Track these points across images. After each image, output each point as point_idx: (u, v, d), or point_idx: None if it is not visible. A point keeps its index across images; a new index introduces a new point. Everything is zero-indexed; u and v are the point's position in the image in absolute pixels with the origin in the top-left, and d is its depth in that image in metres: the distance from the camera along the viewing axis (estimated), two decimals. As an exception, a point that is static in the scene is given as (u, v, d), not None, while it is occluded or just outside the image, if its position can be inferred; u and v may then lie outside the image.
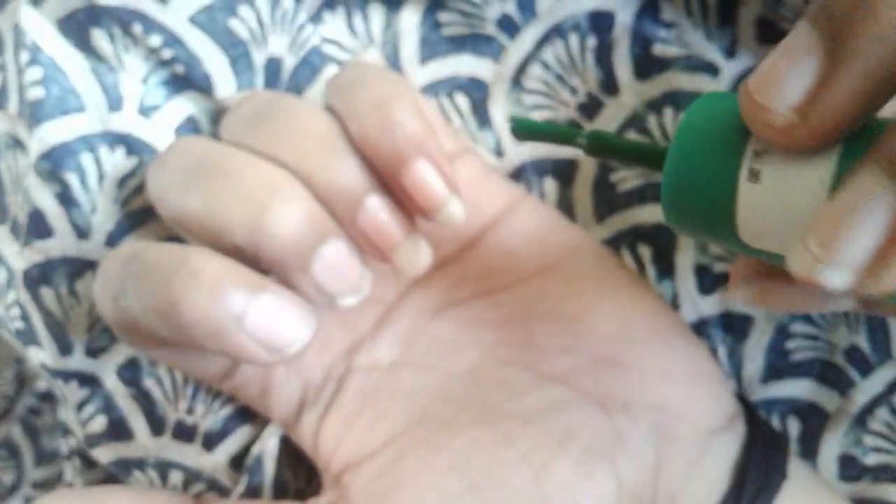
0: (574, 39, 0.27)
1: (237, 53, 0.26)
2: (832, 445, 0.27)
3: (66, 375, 0.28)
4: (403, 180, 0.21)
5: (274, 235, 0.20)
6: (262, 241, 0.20)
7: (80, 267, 0.27)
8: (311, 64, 0.27)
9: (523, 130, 0.20)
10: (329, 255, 0.21)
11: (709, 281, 0.27)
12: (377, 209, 0.21)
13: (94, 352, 0.28)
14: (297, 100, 0.23)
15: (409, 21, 0.27)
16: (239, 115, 0.23)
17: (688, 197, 0.15)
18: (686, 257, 0.27)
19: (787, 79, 0.12)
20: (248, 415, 0.28)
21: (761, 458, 0.23)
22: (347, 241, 0.21)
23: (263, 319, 0.19)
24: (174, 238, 0.26)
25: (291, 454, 0.28)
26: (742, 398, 0.25)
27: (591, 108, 0.28)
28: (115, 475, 0.29)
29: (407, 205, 0.22)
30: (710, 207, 0.14)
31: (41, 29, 0.26)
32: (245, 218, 0.20)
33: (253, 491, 0.27)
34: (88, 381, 0.28)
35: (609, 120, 0.27)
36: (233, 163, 0.21)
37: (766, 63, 0.13)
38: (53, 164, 0.26)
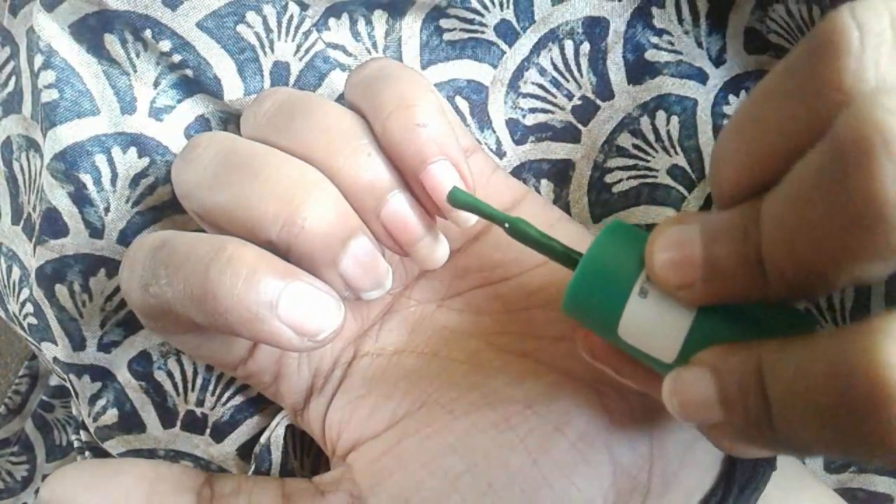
0: (569, 45, 0.28)
1: (244, 58, 0.27)
2: None
3: (79, 370, 0.29)
4: (424, 179, 0.22)
5: (307, 231, 0.21)
6: (295, 236, 0.21)
7: (94, 264, 0.28)
8: (316, 68, 0.27)
9: (459, 203, 0.21)
10: (357, 251, 0.21)
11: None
12: (400, 205, 0.22)
13: (106, 346, 0.28)
14: (318, 97, 0.24)
15: (412, 27, 0.28)
16: (261, 112, 0.24)
17: (589, 296, 0.19)
18: None
19: (684, 268, 0.17)
20: (256, 406, 0.29)
21: None
22: (371, 236, 0.22)
23: (296, 306, 0.20)
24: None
25: (298, 444, 0.28)
26: None
27: (586, 111, 0.28)
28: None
29: (425, 201, 0.22)
30: (605, 307, 0.19)
31: (54, 33, 0.27)
32: (279, 213, 0.21)
33: (260, 479, 0.27)
34: (101, 374, 0.29)
35: (603, 123, 0.28)
36: (264, 160, 0.22)
37: (672, 235, 0.17)
38: (68, 164, 0.27)
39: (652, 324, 0.18)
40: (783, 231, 0.15)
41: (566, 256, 0.20)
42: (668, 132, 0.28)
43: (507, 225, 0.21)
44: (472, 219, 0.22)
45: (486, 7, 0.28)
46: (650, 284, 0.18)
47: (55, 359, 0.29)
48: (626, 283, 0.19)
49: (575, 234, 0.26)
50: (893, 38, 0.14)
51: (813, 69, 0.15)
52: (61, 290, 0.28)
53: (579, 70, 0.28)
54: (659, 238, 0.18)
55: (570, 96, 0.28)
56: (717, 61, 0.28)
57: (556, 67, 0.28)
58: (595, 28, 0.28)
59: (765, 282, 0.16)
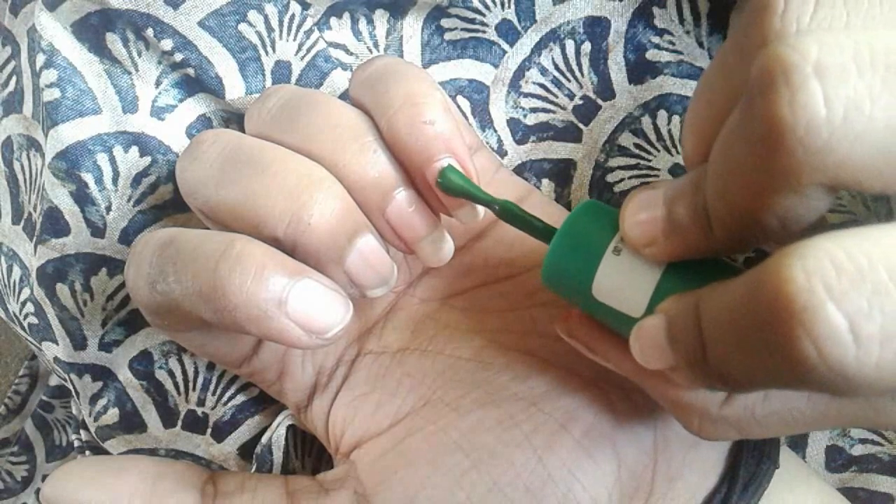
0: (570, 45, 0.28)
1: (246, 57, 0.27)
2: (820, 436, 0.27)
3: (80, 369, 0.29)
4: (429, 176, 0.22)
5: (313, 228, 0.21)
6: (302, 232, 0.21)
7: (95, 263, 0.28)
8: (318, 67, 0.28)
9: (450, 186, 0.22)
10: (363, 248, 0.21)
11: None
12: (405, 203, 0.22)
13: (107, 346, 0.28)
14: (322, 94, 0.24)
15: (413, 26, 0.28)
16: (265, 109, 0.24)
17: (567, 259, 0.21)
18: None
19: (649, 226, 0.18)
20: (257, 406, 0.29)
21: (754, 446, 0.24)
22: (376, 233, 0.22)
23: (304, 304, 0.20)
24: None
25: (299, 445, 0.28)
26: None
27: (587, 110, 0.28)
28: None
29: (431, 199, 0.22)
30: (581, 267, 0.20)
31: (56, 32, 0.27)
32: (285, 210, 0.21)
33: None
34: (102, 374, 0.29)
35: (605, 122, 0.28)
36: (270, 156, 0.22)
37: (641, 199, 0.19)
38: (69, 163, 0.27)
39: (623, 280, 0.20)
40: (717, 176, 0.16)
41: (548, 233, 0.21)
42: (669, 131, 0.28)
43: (496, 207, 0.22)
44: (477, 216, 0.23)
45: (487, 7, 0.28)
46: (623, 245, 0.20)
47: (56, 358, 0.29)
48: (601, 245, 0.20)
49: None
50: (816, 1, 0.15)
51: (747, 32, 0.16)
52: (62, 290, 0.28)
53: (580, 70, 0.28)
54: (631, 201, 0.19)
55: (571, 96, 0.28)
56: None
57: (557, 67, 0.28)
58: (596, 28, 0.28)
59: (713, 233, 0.17)
